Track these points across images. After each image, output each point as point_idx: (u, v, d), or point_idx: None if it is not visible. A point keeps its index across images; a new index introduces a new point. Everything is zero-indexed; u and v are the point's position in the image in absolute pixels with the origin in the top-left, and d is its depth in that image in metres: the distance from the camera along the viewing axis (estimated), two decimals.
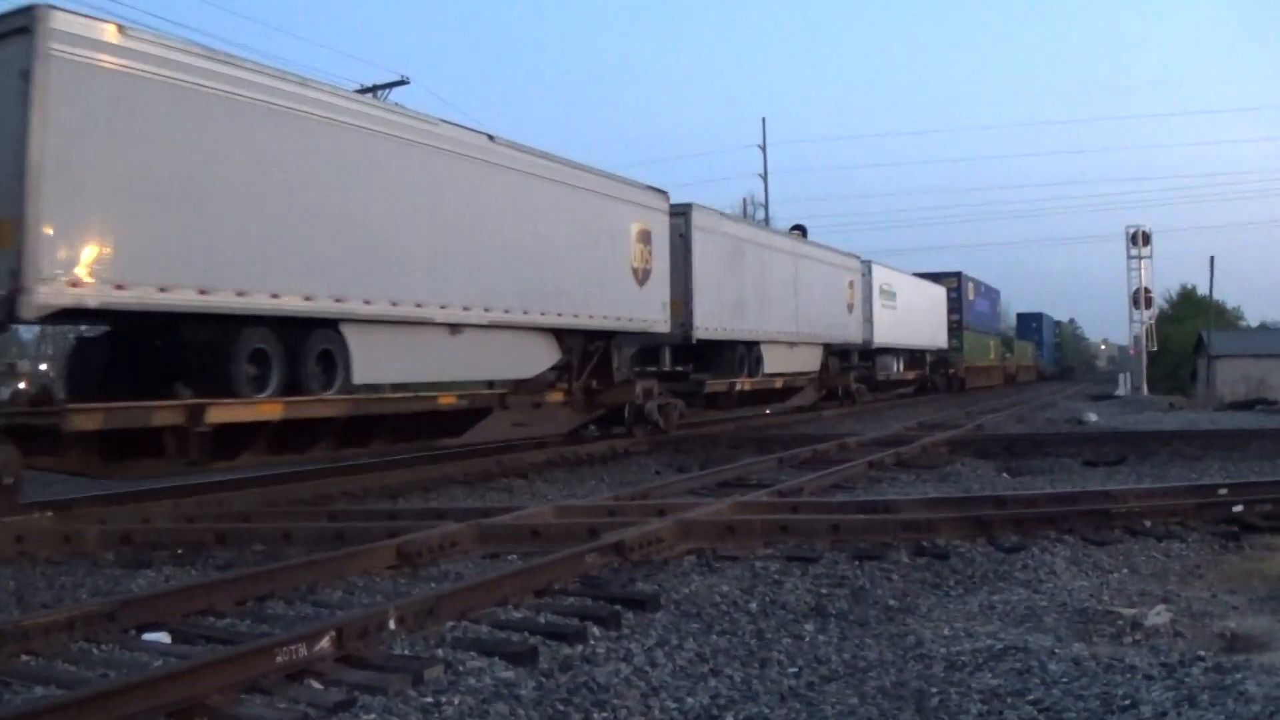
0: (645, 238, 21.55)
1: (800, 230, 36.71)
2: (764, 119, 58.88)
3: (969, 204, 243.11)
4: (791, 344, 29.18)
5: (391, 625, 6.28)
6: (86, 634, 6.55)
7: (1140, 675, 5.38)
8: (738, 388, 26.06)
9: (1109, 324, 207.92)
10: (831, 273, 32.71)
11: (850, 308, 33.98)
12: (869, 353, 37.57)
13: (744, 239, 26.73)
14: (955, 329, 50.46)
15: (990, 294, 63.20)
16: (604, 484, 15.46)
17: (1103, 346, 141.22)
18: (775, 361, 27.96)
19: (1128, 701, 5.02)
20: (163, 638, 6.66)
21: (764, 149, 56.94)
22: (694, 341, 23.65)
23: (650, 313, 21.69)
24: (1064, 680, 5.37)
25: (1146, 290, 50.77)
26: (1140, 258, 49.82)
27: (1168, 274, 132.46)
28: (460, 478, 15.76)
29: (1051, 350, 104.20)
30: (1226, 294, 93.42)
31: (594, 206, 20.00)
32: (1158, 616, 6.54)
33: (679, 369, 25.49)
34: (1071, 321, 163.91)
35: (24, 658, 6.18)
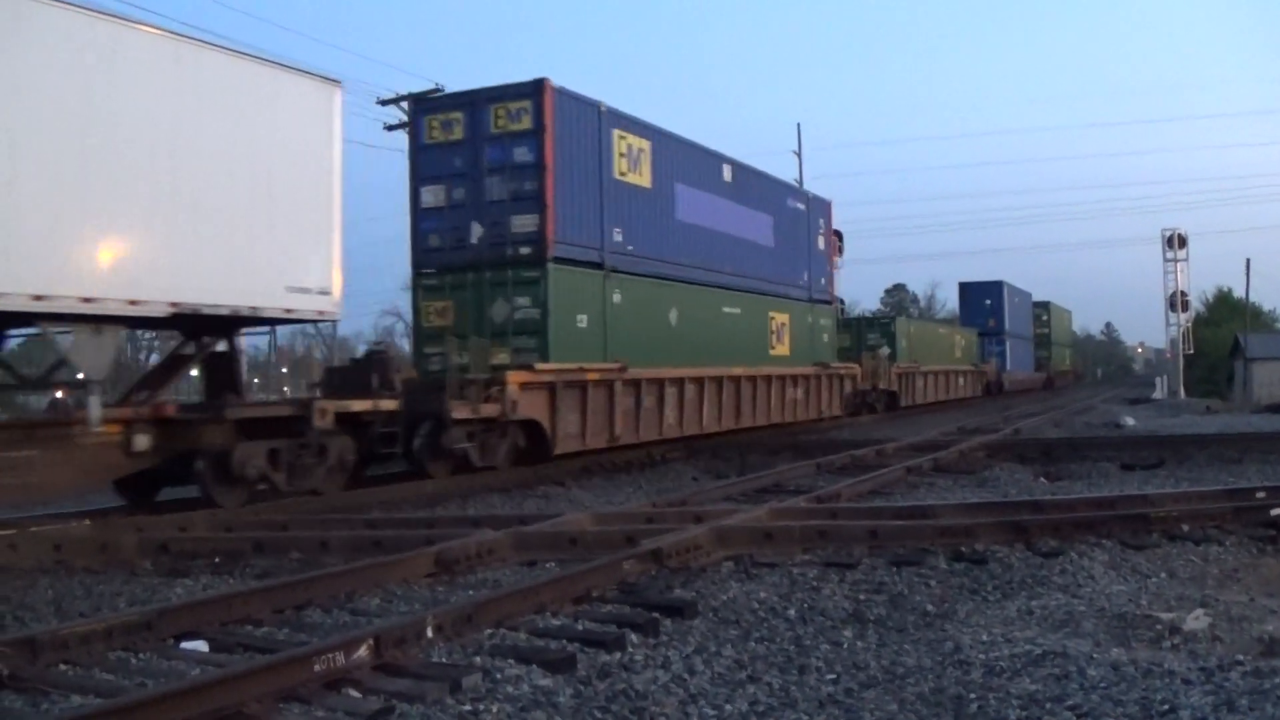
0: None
1: (837, 235, 35.50)
2: (799, 124, 58.18)
3: (1005, 208, 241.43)
4: None
5: (429, 633, 6.30)
6: (124, 643, 6.61)
7: (1179, 680, 5.35)
8: None
9: (1145, 328, 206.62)
10: None
11: None
12: None
13: None
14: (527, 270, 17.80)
15: (771, 193, 27.66)
16: (641, 491, 15.50)
17: (1139, 350, 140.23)
18: None
19: (1166, 706, 4.99)
20: (201, 646, 6.71)
21: (799, 155, 56.44)
22: None
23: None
24: (1103, 685, 5.34)
25: (1183, 293, 50.55)
26: (1176, 261, 49.75)
27: (1203, 277, 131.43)
28: (497, 485, 15.80)
29: (1026, 347, 67.00)
30: (1263, 296, 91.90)
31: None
32: (1196, 621, 6.50)
33: None
34: (1108, 325, 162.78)
35: (62, 666, 6.24)
